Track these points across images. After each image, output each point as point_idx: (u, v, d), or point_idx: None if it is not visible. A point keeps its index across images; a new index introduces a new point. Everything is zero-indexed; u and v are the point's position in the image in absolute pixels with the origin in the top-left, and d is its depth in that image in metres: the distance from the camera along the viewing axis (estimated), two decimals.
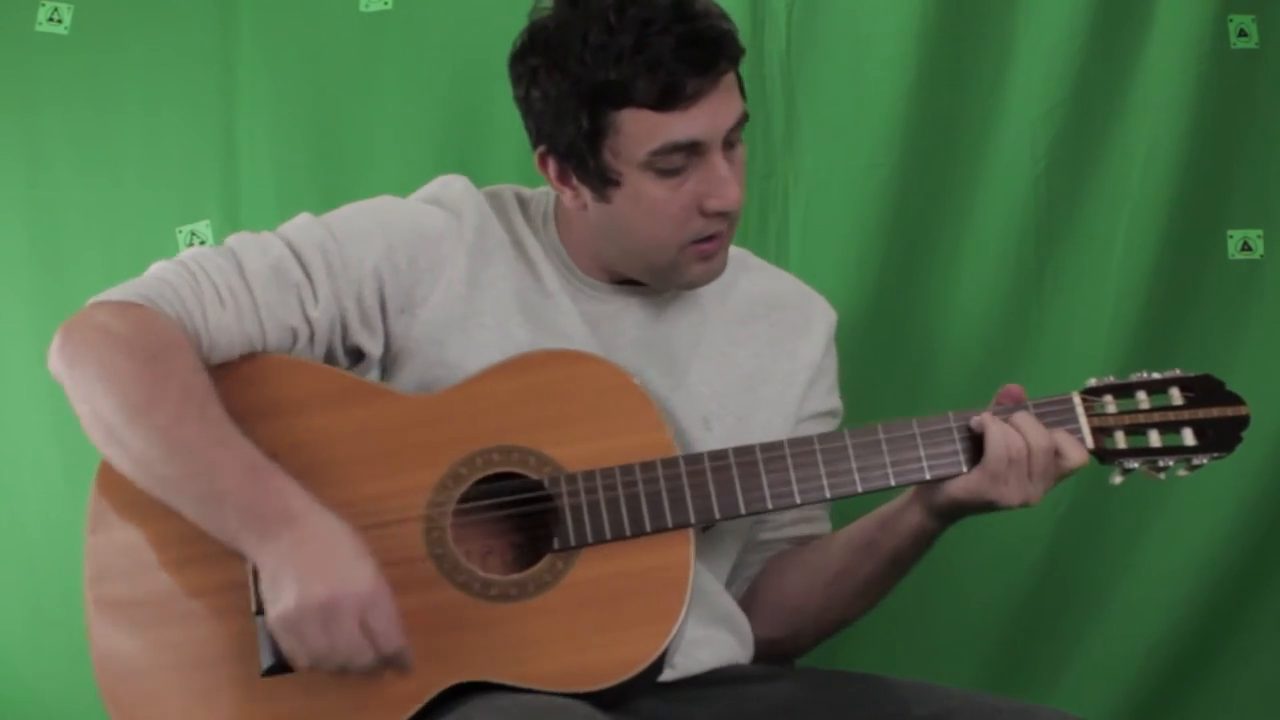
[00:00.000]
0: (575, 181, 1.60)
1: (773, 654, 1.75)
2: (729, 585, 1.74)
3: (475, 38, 2.27)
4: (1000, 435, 1.54)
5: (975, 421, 1.57)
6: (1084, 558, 2.36)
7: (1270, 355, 2.32)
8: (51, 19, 2.27)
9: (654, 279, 1.65)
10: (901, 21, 2.30)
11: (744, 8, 2.30)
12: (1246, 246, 2.36)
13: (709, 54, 1.52)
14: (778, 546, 1.75)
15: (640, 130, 1.53)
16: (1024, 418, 1.56)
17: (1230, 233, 2.36)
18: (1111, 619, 2.37)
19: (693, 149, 1.55)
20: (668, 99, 1.51)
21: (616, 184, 1.57)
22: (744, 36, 2.29)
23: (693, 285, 1.65)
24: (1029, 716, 1.55)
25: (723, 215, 1.58)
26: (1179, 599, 2.35)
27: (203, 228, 2.29)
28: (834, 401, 1.78)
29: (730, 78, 1.57)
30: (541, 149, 1.61)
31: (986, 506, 1.58)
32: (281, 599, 1.40)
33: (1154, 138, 2.31)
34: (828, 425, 1.76)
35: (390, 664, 1.43)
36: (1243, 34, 2.33)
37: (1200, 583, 2.34)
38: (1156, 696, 2.37)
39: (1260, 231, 2.36)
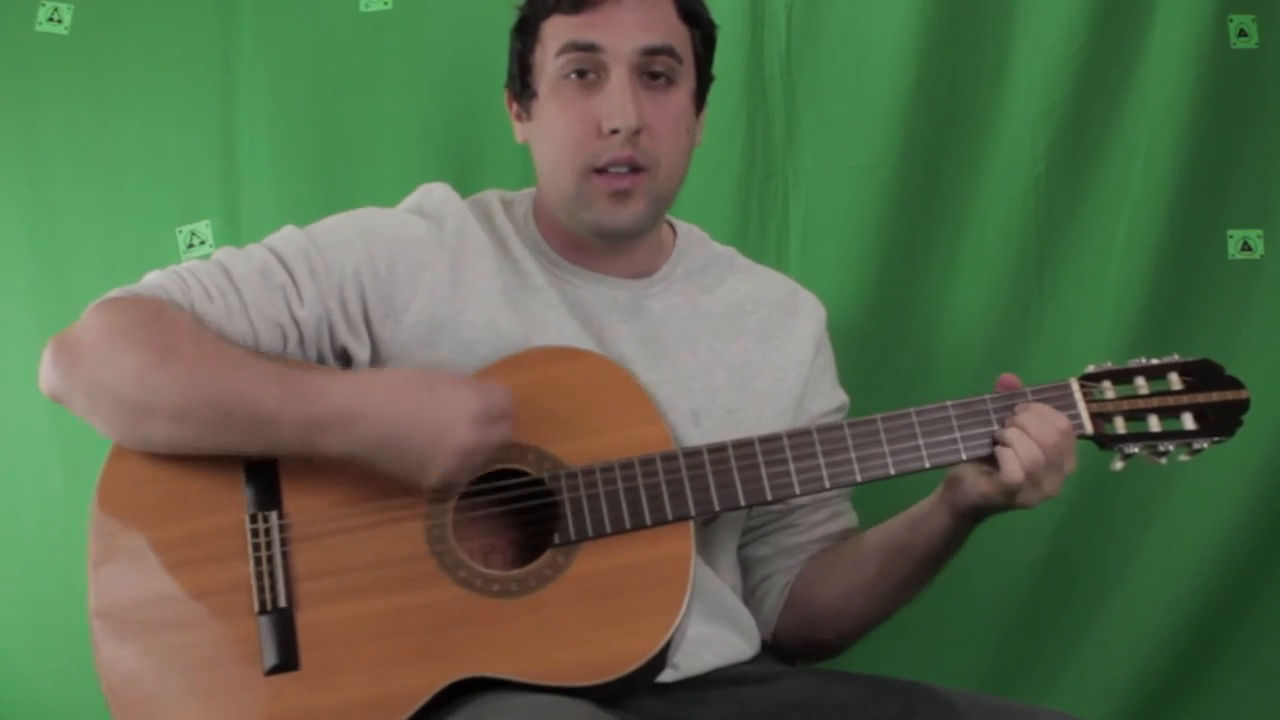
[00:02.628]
0: (518, 108, 1.70)
1: (818, 655, 1.77)
2: (763, 599, 1.75)
3: (475, 37, 2.27)
4: (1012, 459, 1.54)
5: (998, 433, 1.57)
6: (1084, 557, 2.36)
7: (1270, 355, 2.32)
8: (51, 19, 2.27)
9: (570, 216, 1.66)
10: (901, 21, 2.30)
11: (744, 8, 2.30)
12: (1246, 246, 2.36)
13: None
14: (811, 549, 1.76)
15: (553, 34, 1.63)
16: (1039, 429, 1.55)
17: (1230, 233, 2.36)
18: (1111, 619, 2.37)
19: (594, 56, 1.60)
20: (573, 2, 1.61)
21: (535, 95, 1.65)
22: (744, 36, 2.32)
23: (603, 227, 1.65)
24: (1029, 717, 1.55)
25: (622, 141, 1.60)
26: (1179, 599, 2.35)
27: (203, 228, 2.29)
28: (839, 397, 1.79)
29: (651, 3, 1.63)
30: (507, 93, 1.72)
31: (1008, 509, 1.59)
32: (430, 471, 1.47)
33: (1154, 138, 2.31)
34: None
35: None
36: (1243, 34, 2.33)
37: (1201, 583, 2.34)
38: (1156, 696, 2.37)
39: (1260, 231, 2.36)
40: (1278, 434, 2.31)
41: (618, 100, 1.60)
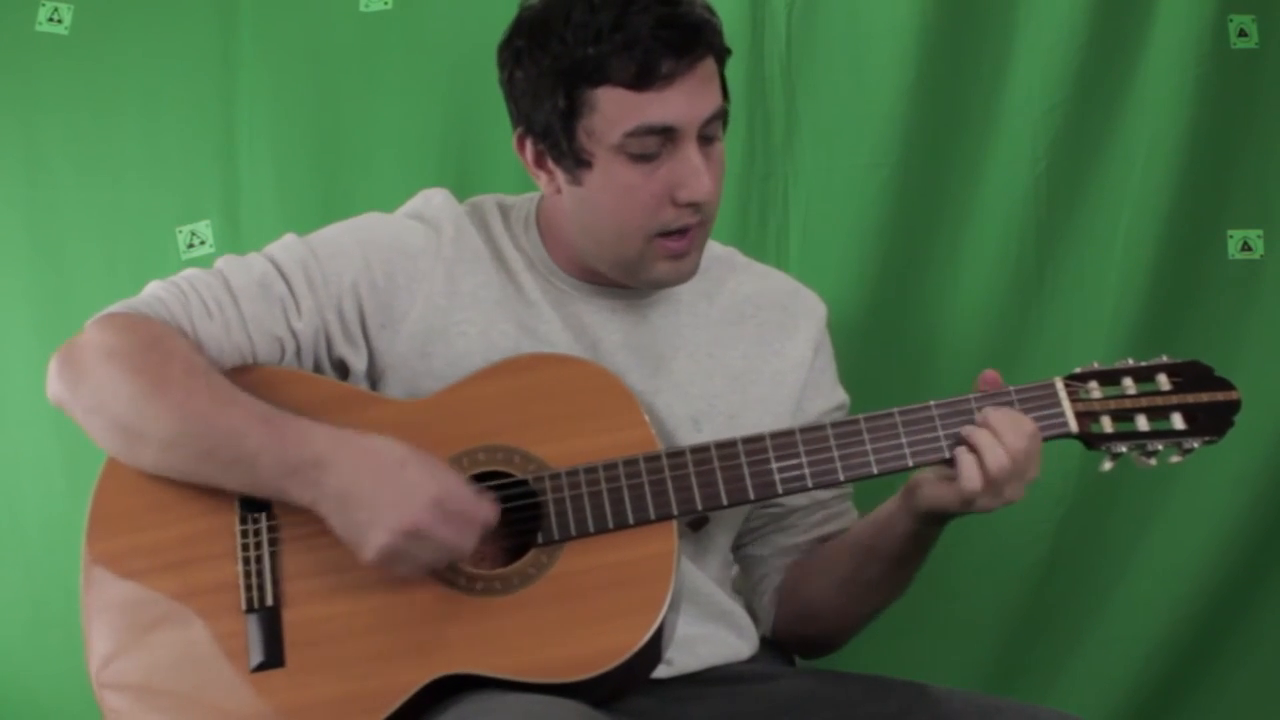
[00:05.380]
0: (550, 164, 1.61)
1: (816, 651, 1.78)
2: (762, 597, 1.76)
3: (475, 37, 2.27)
4: (972, 464, 1.52)
5: (965, 431, 1.55)
6: (1084, 558, 2.36)
7: (1270, 355, 2.32)
8: (51, 19, 2.28)
9: (623, 273, 1.64)
10: (901, 21, 2.29)
11: (744, 8, 2.30)
12: (1246, 246, 2.36)
13: (687, 36, 1.53)
14: (806, 549, 1.75)
15: (615, 110, 1.54)
16: (1010, 436, 1.52)
17: (1230, 233, 2.36)
18: (1111, 619, 2.37)
19: (667, 134, 1.55)
20: (643, 78, 1.52)
21: (589, 165, 1.57)
22: (744, 36, 2.31)
23: (661, 284, 1.64)
24: (1029, 716, 1.55)
25: (694, 208, 1.58)
26: (1179, 599, 2.35)
27: (203, 228, 2.30)
28: (839, 396, 1.79)
29: (709, 68, 1.57)
30: (520, 130, 1.62)
31: (964, 514, 1.57)
32: (368, 542, 1.45)
33: (1154, 138, 2.31)
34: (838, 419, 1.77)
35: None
36: (1243, 34, 2.33)
37: (1200, 583, 2.34)
38: (1156, 696, 2.37)
39: (1260, 231, 2.36)
40: (1277, 436, 2.31)
41: (694, 174, 1.55)
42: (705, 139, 1.58)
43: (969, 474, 1.52)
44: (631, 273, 1.63)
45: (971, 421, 1.56)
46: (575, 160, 1.58)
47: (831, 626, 1.74)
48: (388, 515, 1.44)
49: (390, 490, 1.45)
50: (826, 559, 1.72)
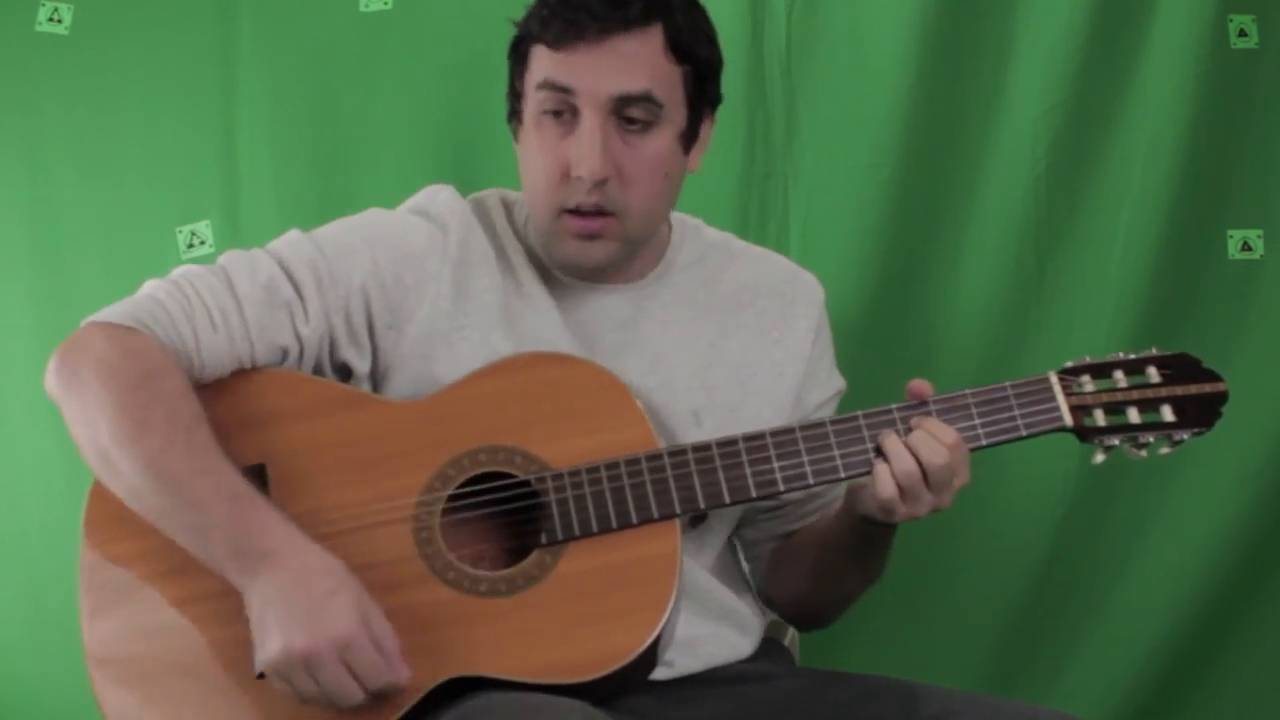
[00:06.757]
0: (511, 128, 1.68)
1: (805, 627, 1.81)
2: (752, 576, 1.77)
3: (474, 37, 2.27)
4: (884, 471, 1.53)
5: (880, 438, 1.56)
6: (1084, 558, 2.37)
7: (1270, 355, 2.32)
8: (51, 19, 2.28)
9: (546, 250, 1.65)
10: (901, 21, 2.30)
11: (744, 8, 2.30)
12: (1246, 246, 2.36)
13: (608, 5, 1.55)
14: (795, 534, 1.77)
15: (536, 65, 1.60)
16: (920, 437, 1.54)
17: (1230, 233, 2.36)
18: (1111, 619, 2.37)
19: (568, 97, 1.57)
20: (559, 38, 1.56)
21: (520, 120, 1.64)
22: (744, 36, 2.31)
23: (569, 264, 1.64)
24: (1029, 717, 1.54)
25: (589, 186, 1.57)
26: (1179, 599, 2.36)
27: (203, 228, 2.30)
28: (836, 384, 1.78)
29: (635, 47, 1.57)
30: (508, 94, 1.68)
31: (892, 520, 1.57)
32: (266, 645, 1.42)
33: (1154, 138, 2.31)
34: (835, 406, 1.77)
35: (380, 696, 1.44)
36: (1243, 34, 2.33)
37: (1201, 583, 2.35)
38: (1157, 696, 2.37)
39: (1260, 231, 2.36)
40: (1277, 435, 2.31)
41: (584, 148, 1.56)
42: (628, 121, 1.58)
43: (881, 481, 1.53)
44: (548, 247, 1.64)
45: (970, 417, 1.57)
46: (518, 117, 1.64)
47: (811, 606, 1.75)
48: (292, 630, 1.41)
49: (308, 611, 1.42)
50: (797, 546, 1.74)
